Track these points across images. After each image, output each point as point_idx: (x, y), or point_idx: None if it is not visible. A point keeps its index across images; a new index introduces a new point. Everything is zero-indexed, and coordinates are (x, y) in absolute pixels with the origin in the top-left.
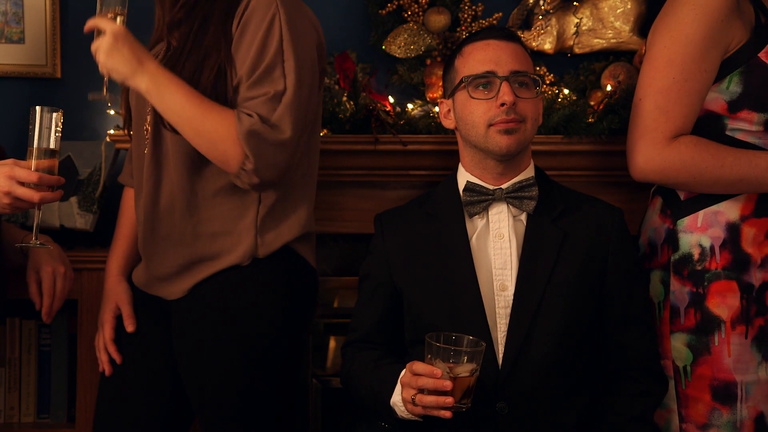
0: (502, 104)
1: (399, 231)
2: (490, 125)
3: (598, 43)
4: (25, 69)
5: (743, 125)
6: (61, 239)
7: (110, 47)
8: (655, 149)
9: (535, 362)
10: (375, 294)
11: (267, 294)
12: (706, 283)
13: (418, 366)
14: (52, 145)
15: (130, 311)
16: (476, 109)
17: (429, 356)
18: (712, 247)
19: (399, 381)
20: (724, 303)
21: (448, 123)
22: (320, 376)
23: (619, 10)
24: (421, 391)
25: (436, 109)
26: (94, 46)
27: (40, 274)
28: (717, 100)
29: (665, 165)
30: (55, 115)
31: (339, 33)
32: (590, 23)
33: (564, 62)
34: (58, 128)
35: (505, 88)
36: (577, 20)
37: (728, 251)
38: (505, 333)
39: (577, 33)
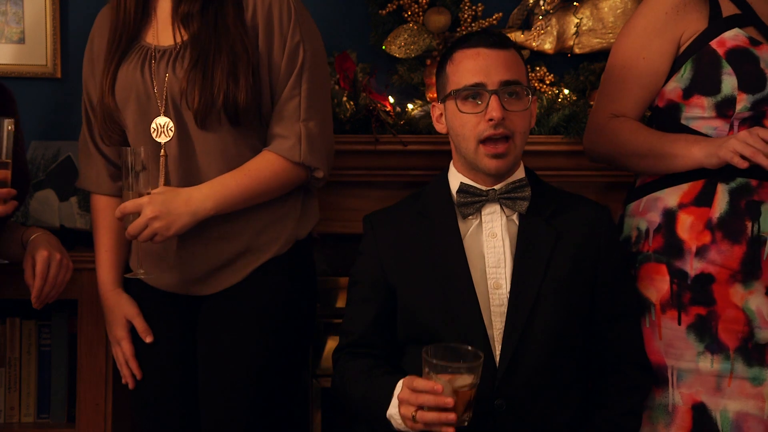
0: (491, 119)
1: (390, 230)
2: (479, 142)
3: (598, 43)
4: (25, 69)
5: (697, 112)
6: (61, 239)
7: (166, 224)
8: (590, 128)
9: (532, 359)
10: (369, 294)
11: (298, 282)
12: (637, 265)
13: (419, 382)
14: (3, 157)
15: (143, 324)
16: (466, 122)
17: (427, 370)
18: (647, 231)
19: (396, 396)
20: (652, 285)
21: (440, 127)
22: (320, 377)
23: (619, 10)
24: (421, 407)
25: None
26: (133, 231)
27: (35, 258)
28: (675, 89)
29: (594, 138)
30: (6, 122)
31: (339, 33)
32: (590, 23)
33: (564, 62)
34: (10, 138)
35: (493, 102)
36: (577, 20)
37: (661, 235)
38: (501, 330)
39: (577, 33)
